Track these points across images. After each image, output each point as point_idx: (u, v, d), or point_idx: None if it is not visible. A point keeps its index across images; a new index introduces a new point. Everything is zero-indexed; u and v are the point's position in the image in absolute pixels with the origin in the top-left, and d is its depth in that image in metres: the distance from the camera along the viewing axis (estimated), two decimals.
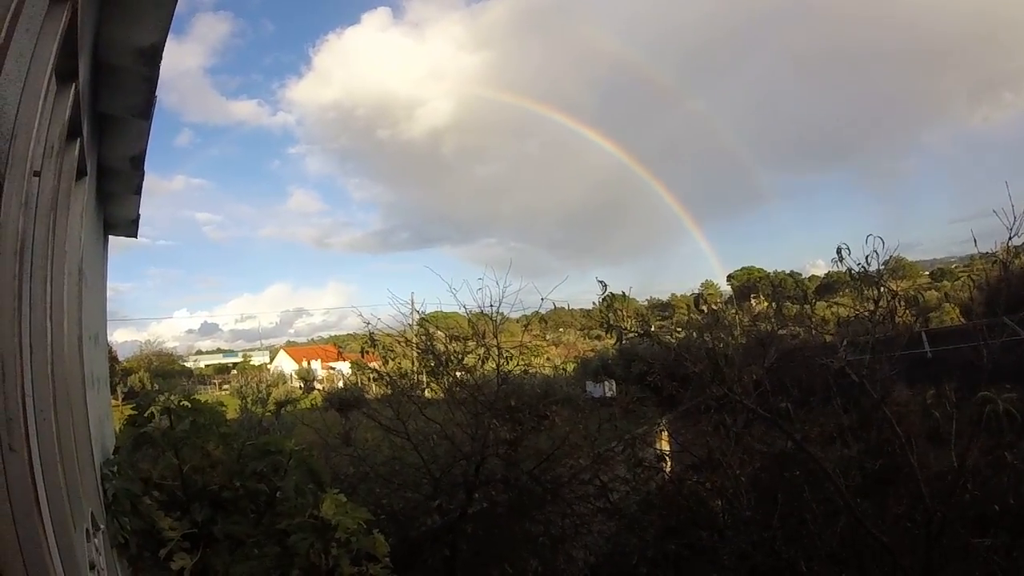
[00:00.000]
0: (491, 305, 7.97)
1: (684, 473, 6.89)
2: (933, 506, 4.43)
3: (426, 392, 9.07)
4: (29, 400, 1.70)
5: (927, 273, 73.15)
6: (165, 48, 2.71)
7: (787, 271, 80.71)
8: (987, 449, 4.53)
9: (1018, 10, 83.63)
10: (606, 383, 16.85)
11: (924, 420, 4.96)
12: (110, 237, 4.48)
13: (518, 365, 8.29)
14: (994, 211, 4.56)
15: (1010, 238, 4.59)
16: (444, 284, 8.19)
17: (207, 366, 76.60)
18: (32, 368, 1.80)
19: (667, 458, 7.83)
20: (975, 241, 5.31)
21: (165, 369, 57.46)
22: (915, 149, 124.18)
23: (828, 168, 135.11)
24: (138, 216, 4.37)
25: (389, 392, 8.80)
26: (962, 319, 30.49)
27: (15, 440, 1.59)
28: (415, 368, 9.08)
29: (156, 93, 3.00)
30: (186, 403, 3.39)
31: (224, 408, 4.07)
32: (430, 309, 9.60)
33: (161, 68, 2.84)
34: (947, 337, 13.90)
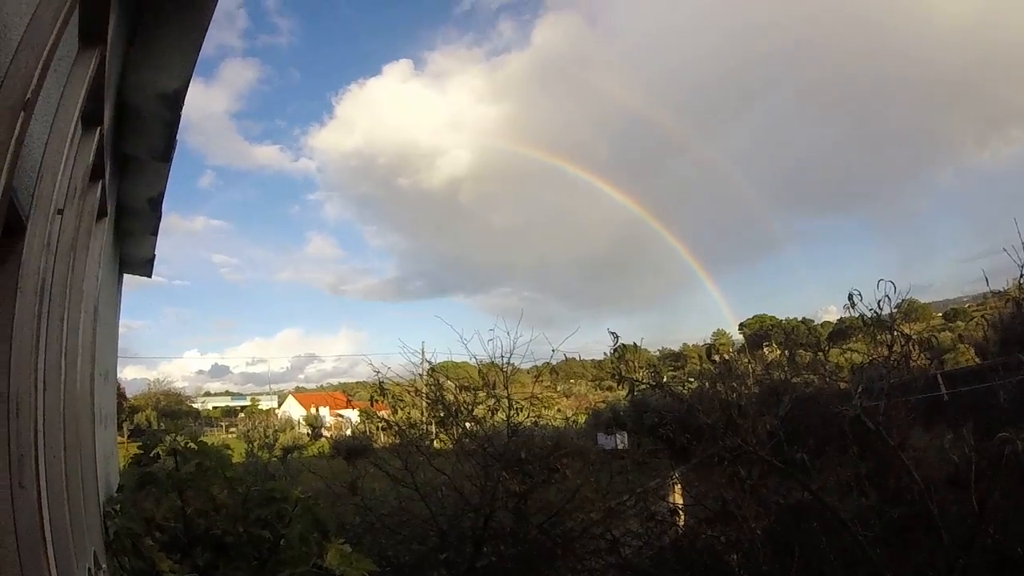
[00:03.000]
0: (502, 356, 7.97)
1: (698, 527, 6.68)
2: (954, 552, 4.28)
3: (435, 443, 8.97)
4: (41, 437, 1.71)
5: (940, 314, 72.69)
6: (192, 91, 2.81)
7: (799, 318, 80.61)
8: (1007, 491, 4.38)
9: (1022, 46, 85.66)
10: (617, 435, 16.62)
11: (942, 464, 4.82)
12: (125, 275, 4.55)
13: (528, 416, 8.20)
14: (1004, 249, 4.55)
15: (1022, 275, 4.57)
16: (456, 334, 8.21)
17: (215, 408, 76.20)
18: (45, 405, 1.81)
19: (680, 511, 7.62)
20: (987, 280, 5.29)
21: (172, 409, 57.27)
22: (925, 189, 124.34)
23: (839, 212, 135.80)
24: (154, 256, 4.45)
25: (398, 442, 8.71)
26: (977, 359, 30.00)
27: (25, 477, 1.59)
28: (424, 418, 9.01)
29: (177, 137, 3.10)
30: (192, 445, 3.37)
31: (230, 451, 4.05)
32: (441, 359, 9.59)
33: (187, 110, 2.95)
34: (963, 378, 13.61)
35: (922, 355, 5.08)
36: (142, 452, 3.30)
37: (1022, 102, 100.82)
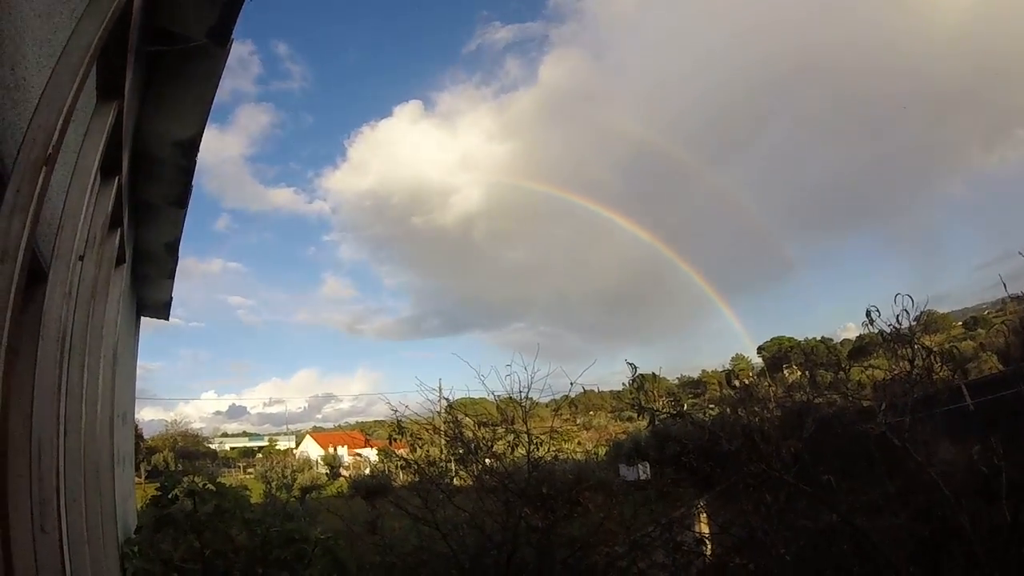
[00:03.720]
0: (520, 391, 7.91)
1: (725, 556, 6.50)
2: (990, 565, 4.13)
3: (455, 480, 8.88)
4: (62, 481, 1.73)
5: (960, 323, 71.35)
6: (207, 137, 2.90)
7: (818, 338, 79.55)
8: None
9: (1022, 51, 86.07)
10: (640, 465, 16.40)
11: (972, 477, 4.69)
12: (142, 318, 4.60)
13: (548, 451, 8.10)
14: (1020, 252, 4.49)
15: None
16: (473, 370, 8.19)
17: (232, 449, 76.07)
18: (66, 450, 1.83)
19: (707, 541, 7.44)
20: (1004, 285, 5.21)
21: (190, 450, 57.30)
22: (936, 199, 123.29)
23: (852, 229, 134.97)
24: (171, 299, 4.52)
25: (417, 480, 8.62)
26: (1001, 366, 29.28)
27: (47, 522, 1.60)
28: (443, 455, 8.93)
29: (192, 183, 3.17)
30: (210, 486, 3.37)
31: (248, 492, 4.04)
32: (458, 396, 9.53)
33: (203, 155, 3.03)
34: (988, 386, 13.25)
35: (945, 367, 4.97)
36: (160, 493, 3.30)
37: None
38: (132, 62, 2.16)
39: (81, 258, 1.97)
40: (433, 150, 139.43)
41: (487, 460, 7.98)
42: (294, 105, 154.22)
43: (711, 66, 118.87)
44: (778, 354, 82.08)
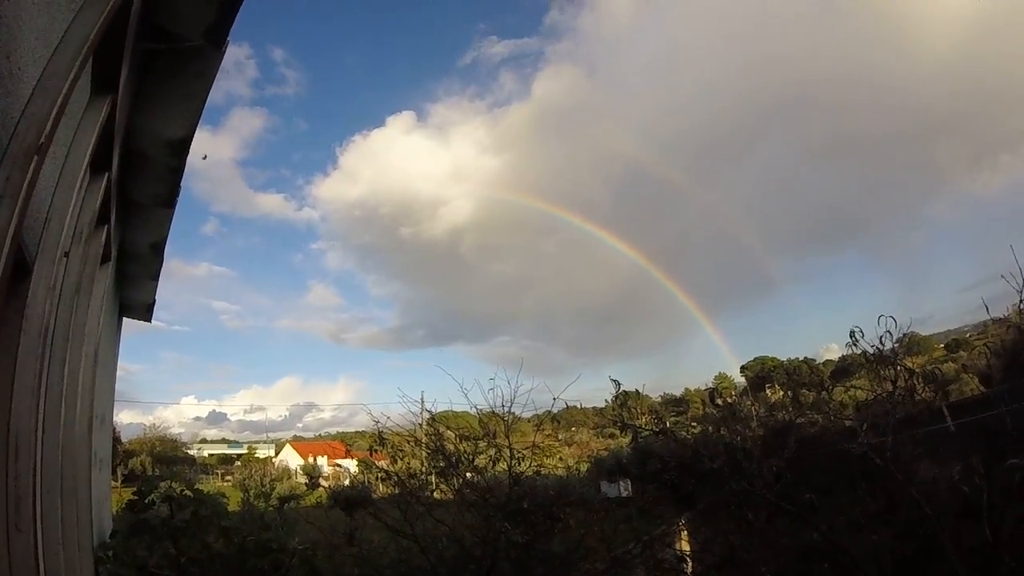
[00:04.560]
0: (502, 405, 7.89)
1: (706, 573, 6.50)
2: None
3: (435, 493, 8.82)
4: (39, 480, 1.69)
5: (942, 346, 72.65)
6: (198, 138, 2.88)
7: (801, 358, 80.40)
8: (1021, 518, 4.28)
9: (1006, 80, 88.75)
10: (621, 482, 16.42)
11: (952, 496, 4.74)
12: (124, 319, 4.54)
13: (530, 466, 8.08)
14: (1003, 276, 4.56)
15: (1021, 301, 4.55)
16: (456, 383, 8.17)
17: (211, 455, 75.10)
18: (44, 448, 1.80)
19: (688, 558, 7.44)
20: (987, 308, 5.30)
21: (168, 455, 56.42)
22: (921, 223, 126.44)
23: (836, 251, 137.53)
24: (154, 301, 4.47)
25: (396, 492, 8.55)
26: (982, 388, 29.77)
27: (23, 520, 1.57)
28: (424, 468, 8.87)
29: (181, 184, 3.15)
30: (188, 493, 3.32)
31: (226, 499, 3.98)
32: (441, 408, 9.50)
33: (193, 157, 3.01)
34: (969, 408, 13.47)
35: (926, 388, 5.03)
36: (137, 498, 3.23)
37: (1009, 129, 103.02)
38: (128, 58, 2.15)
39: (66, 254, 1.94)
40: (424, 161, 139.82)
41: (468, 474, 7.93)
42: (287, 111, 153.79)
43: (703, 88, 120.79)
44: (761, 373, 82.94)
